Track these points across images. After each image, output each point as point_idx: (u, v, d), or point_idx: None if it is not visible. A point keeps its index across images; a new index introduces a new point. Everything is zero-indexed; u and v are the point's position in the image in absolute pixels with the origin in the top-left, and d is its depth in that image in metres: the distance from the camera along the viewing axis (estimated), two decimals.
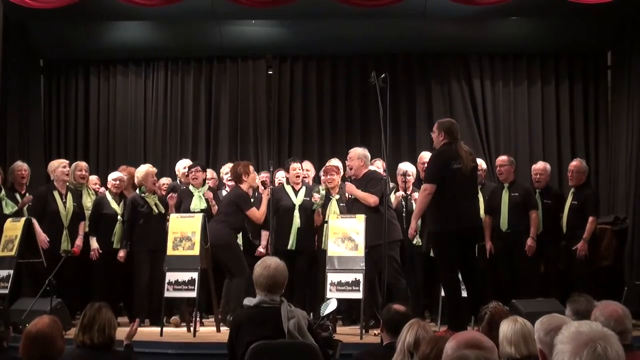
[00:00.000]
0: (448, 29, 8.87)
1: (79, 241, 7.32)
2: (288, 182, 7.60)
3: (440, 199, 5.78)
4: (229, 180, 7.66)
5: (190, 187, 7.39)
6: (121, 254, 7.32)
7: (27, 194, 7.49)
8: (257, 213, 7.04)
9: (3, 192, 7.35)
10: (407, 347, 3.14)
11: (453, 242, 5.84)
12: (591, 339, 1.89)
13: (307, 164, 7.94)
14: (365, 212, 6.62)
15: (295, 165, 7.56)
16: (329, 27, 8.81)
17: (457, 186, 5.81)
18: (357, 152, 6.93)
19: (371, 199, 6.66)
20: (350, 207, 6.98)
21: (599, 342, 1.88)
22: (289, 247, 7.27)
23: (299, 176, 7.52)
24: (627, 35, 8.44)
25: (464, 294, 6.11)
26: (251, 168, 7.21)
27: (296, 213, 7.33)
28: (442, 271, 6.07)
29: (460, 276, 6.03)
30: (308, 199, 7.40)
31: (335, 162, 7.73)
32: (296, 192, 7.45)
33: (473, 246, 6.21)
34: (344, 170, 7.42)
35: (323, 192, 7.34)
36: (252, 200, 7.32)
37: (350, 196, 6.96)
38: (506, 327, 3.23)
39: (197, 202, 7.26)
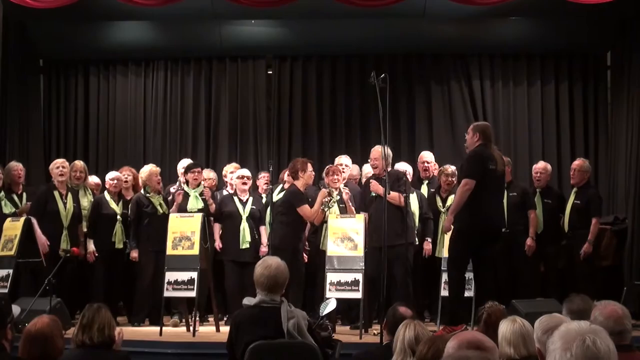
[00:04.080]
0: (448, 29, 8.86)
1: (80, 246, 7.29)
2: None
3: (471, 197, 5.82)
4: (231, 179, 7.70)
5: (186, 188, 7.37)
6: (134, 254, 7.32)
7: (24, 194, 7.48)
8: (309, 211, 6.88)
9: (2, 192, 7.35)
10: (408, 345, 3.14)
11: (474, 242, 5.89)
12: (580, 334, 1.92)
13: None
14: (391, 211, 6.41)
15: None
16: (329, 27, 8.81)
17: (489, 187, 5.91)
18: (382, 152, 6.82)
19: (401, 199, 6.61)
20: (372, 204, 6.85)
21: (587, 336, 1.91)
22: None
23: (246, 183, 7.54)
24: (627, 36, 8.44)
25: (468, 293, 6.14)
26: (309, 166, 7.06)
27: (245, 225, 7.34)
28: (452, 268, 6.10)
29: (472, 275, 6.08)
30: (254, 207, 7.41)
31: (345, 159, 7.70)
32: (243, 203, 7.43)
33: (492, 246, 6.23)
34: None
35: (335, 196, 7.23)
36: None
37: (374, 194, 6.83)
38: (505, 328, 3.23)
39: (194, 203, 7.24)
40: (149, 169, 7.50)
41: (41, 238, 7.04)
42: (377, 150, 6.85)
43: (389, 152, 6.84)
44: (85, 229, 7.51)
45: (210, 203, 7.31)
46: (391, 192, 6.47)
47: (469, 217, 5.87)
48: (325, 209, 7.13)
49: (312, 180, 7.18)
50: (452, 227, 6.11)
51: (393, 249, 6.39)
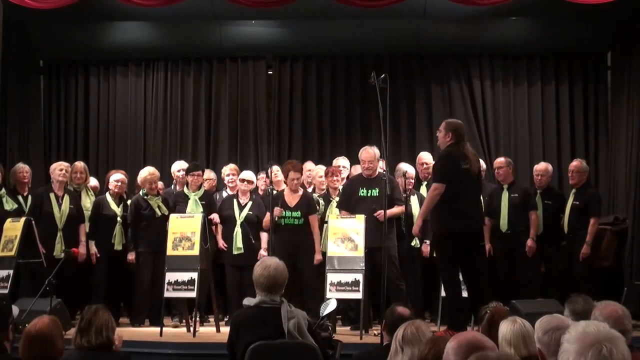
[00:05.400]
0: (448, 30, 8.87)
1: (82, 248, 7.27)
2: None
3: (446, 199, 5.79)
4: (231, 181, 7.69)
5: (185, 191, 7.35)
6: (131, 256, 7.32)
7: (30, 196, 7.48)
8: (266, 216, 7.00)
9: (3, 190, 7.34)
10: (398, 343, 3.14)
11: (457, 243, 5.86)
12: (597, 340, 1.88)
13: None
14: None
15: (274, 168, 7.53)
16: (329, 27, 8.81)
17: (464, 187, 5.85)
18: (377, 154, 6.84)
19: (402, 210, 6.74)
20: (358, 205, 6.86)
21: (604, 344, 1.87)
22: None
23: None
24: (627, 36, 8.44)
25: (465, 294, 6.13)
26: (291, 173, 7.06)
27: (237, 230, 7.31)
28: (444, 271, 6.08)
29: (460, 276, 6.05)
30: (251, 212, 7.36)
31: (343, 161, 7.71)
32: (241, 207, 7.40)
33: (474, 247, 6.23)
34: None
35: (322, 206, 7.28)
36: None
37: (362, 194, 6.87)
38: (505, 328, 3.23)
39: (193, 207, 7.19)
40: (144, 176, 7.42)
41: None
42: (368, 153, 6.89)
43: (377, 152, 6.86)
44: (86, 230, 7.50)
45: (213, 218, 7.28)
46: (389, 211, 6.47)
47: (447, 220, 5.84)
48: (319, 214, 7.19)
49: (295, 186, 7.13)
50: (433, 231, 6.18)
51: (382, 250, 6.40)
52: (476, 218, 6.09)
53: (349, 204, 6.94)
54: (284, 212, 6.96)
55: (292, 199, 7.06)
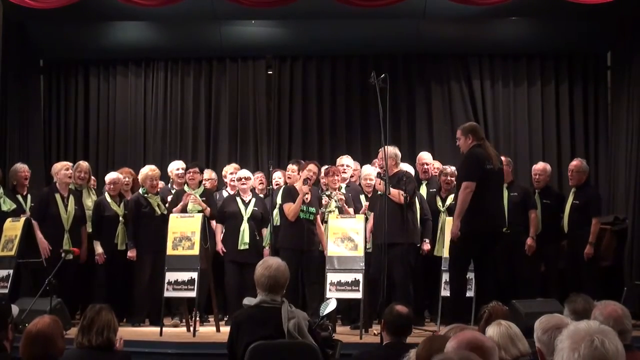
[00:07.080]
0: (448, 30, 8.87)
1: (83, 248, 7.27)
2: (285, 183, 7.56)
3: (473, 199, 5.81)
4: (231, 181, 7.70)
5: (186, 189, 7.35)
6: (131, 253, 7.30)
7: (29, 196, 7.48)
8: (287, 207, 6.90)
9: (1, 189, 7.34)
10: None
11: (477, 242, 5.89)
12: (588, 334, 1.91)
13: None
14: (392, 210, 6.38)
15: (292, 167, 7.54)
16: (329, 27, 8.81)
17: (488, 187, 5.92)
18: (390, 152, 6.78)
19: (401, 197, 6.56)
20: (376, 203, 6.82)
21: (596, 336, 1.90)
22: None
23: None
24: (627, 36, 8.44)
25: (470, 293, 6.14)
26: (312, 166, 7.06)
27: (245, 225, 7.30)
28: (454, 269, 6.10)
29: (473, 275, 6.08)
30: (257, 208, 7.37)
31: (347, 160, 7.69)
32: (245, 203, 7.40)
33: (494, 246, 6.22)
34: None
35: (333, 200, 7.23)
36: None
37: (379, 192, 6.81)
38: (492, 332, 3.21)
39: (193, 204, 7.20)
40: (145, 172, 7.45)
41: (43, 242, 7.03)
42: (381, 152, 6.90)
43: (397, 152, 6.87)
44: (89, 230, 7.50)
45: (205, 207, 7.19)
46: (392, 189, 6.46)
47: (471, 219, 5.86)
48: (324, 210, 7.16)
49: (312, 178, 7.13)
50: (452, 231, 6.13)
51: (392, 248, 6.37)
52: (499, 217, 6.15)
53: (374, 205, 6.95)
54: (302, 207, 6.88)
55: (307, 195, 7.01)
